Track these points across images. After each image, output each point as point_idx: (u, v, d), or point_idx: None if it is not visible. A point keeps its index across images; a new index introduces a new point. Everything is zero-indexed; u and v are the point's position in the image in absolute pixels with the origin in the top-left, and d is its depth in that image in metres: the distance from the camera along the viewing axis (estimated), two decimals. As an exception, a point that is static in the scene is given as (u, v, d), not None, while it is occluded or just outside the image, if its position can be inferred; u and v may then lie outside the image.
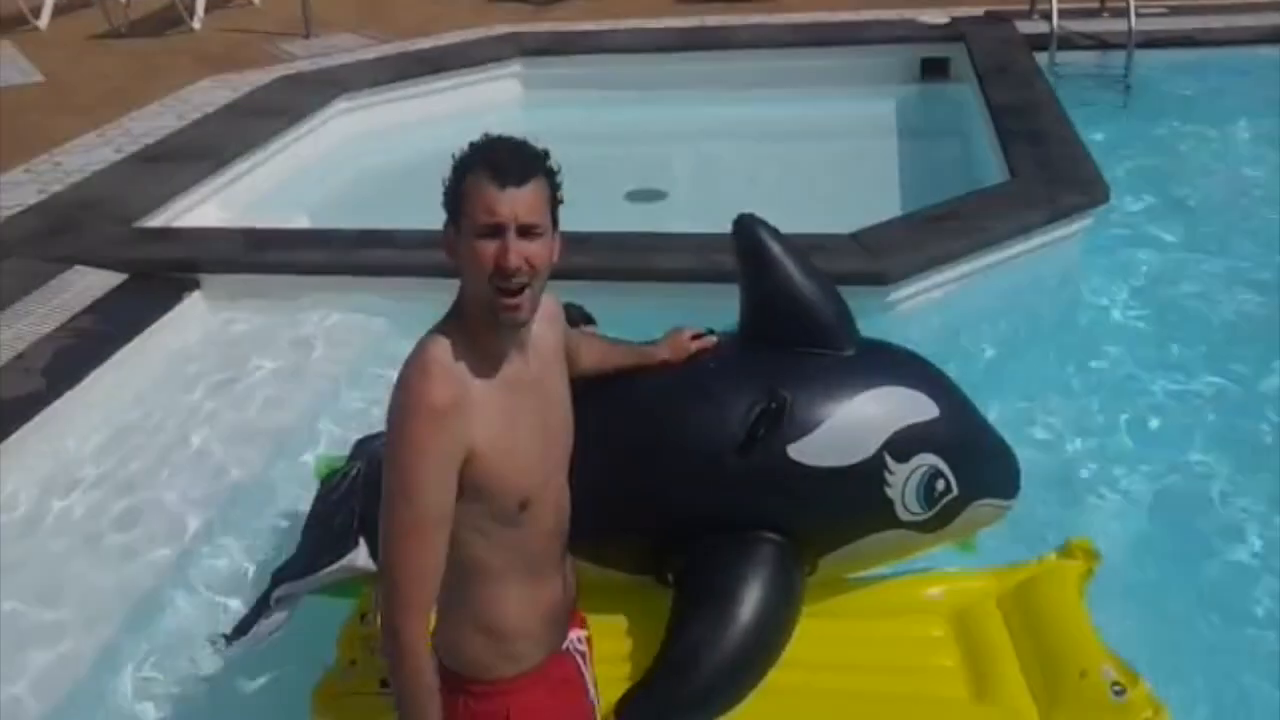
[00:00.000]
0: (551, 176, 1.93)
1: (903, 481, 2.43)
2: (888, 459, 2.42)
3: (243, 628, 2.75)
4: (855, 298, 2.65)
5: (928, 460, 2.44)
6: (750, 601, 2.40)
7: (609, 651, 2.45)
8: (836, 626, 2.61)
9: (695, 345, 2.55)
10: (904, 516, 2.47)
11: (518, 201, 1.84)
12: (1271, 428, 4.14)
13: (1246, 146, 6.53)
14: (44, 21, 10.23)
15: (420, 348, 1.93)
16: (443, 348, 1.90)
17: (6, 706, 3.08)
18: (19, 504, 3.87)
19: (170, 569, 3.61)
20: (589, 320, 3.09)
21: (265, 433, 4.28)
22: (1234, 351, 4.61)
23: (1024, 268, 4.96)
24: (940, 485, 2.45)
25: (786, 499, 2.47)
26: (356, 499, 2.77)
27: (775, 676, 2.41)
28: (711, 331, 2.61)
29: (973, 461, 2.52)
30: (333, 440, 4.19)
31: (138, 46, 9.45)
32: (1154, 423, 4.19)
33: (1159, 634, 3.13)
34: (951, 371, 2.66)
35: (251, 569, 3.65)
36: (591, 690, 2.21)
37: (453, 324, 1.95)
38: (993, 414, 2.76)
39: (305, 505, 3.85)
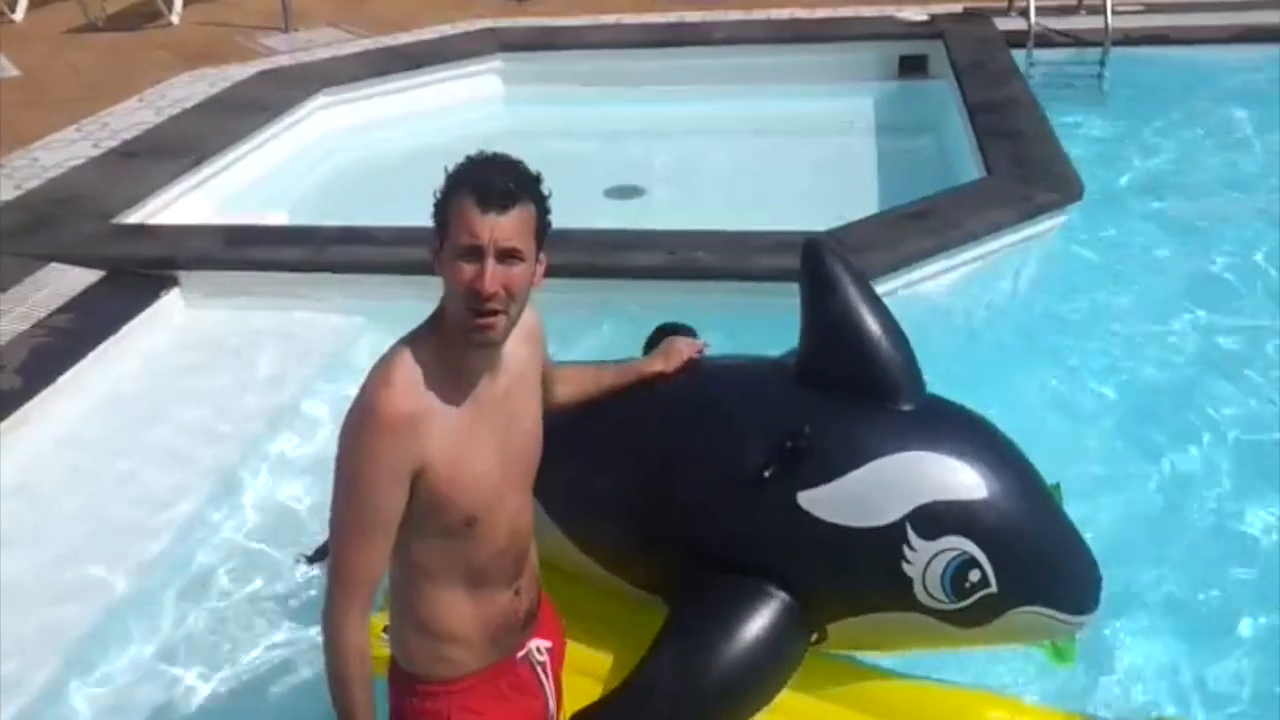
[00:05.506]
0: (541, 202, 1.90)
1: (925, 561, 2.19)
2: (910, 532, 2.19)
3: (321, 554, 2.99)
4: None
5: (959, 545, 2.18)
6: (727, 647, 2.25)
7: (596, 666, 2.41)
8: None
9: (689, 351, 2.50)
10: (925, 601, 2.23)
11: (499, 226, 1.82)
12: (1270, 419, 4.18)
13: (1220, 143, 6.58)
14: (20, 15, 10.17)
15: (387, 356, 1.93)
16: (409, 358, 1.90)
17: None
18: (-5, 501, 3.85)
19: (150, 567, 3.61)
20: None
21: (243, 429, 4.27)
22: (1214, 345, 4.66)
23: (1000, 264, 5.01)
24: (974, 576, 2.19)
25: (789, 548, 2.29)
26: None
27: None
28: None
29: (1024, 560, 2.23)
30: (309, 436, 4.20)
31: (115, 41, 9.39)
32: (1126, 420, 4.22)
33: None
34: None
35: (234, 562, 3.67)
36: (551, 702, 2.18)
37: (427, 332, 1.95)
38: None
39: (282, 499, 3.93)
